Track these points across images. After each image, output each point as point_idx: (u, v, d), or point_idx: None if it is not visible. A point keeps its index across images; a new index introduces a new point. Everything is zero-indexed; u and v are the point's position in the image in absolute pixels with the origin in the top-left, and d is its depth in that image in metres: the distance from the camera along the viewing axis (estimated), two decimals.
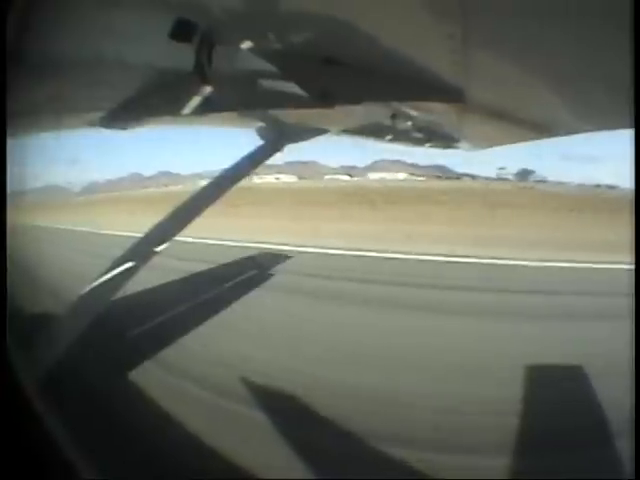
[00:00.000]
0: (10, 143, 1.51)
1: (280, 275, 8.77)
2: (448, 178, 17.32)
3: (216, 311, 6.76)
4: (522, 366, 4.78)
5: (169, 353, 5.40)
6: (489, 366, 4.97)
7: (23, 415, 1.46)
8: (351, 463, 3.56)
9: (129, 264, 3.75)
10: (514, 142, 3.83)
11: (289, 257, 9.71)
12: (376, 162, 18.54)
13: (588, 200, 12.87)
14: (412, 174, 17.92)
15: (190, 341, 5.76)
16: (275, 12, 2.18)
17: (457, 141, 4.46)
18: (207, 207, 4.18)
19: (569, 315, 6.48)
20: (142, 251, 3.93)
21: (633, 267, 1.60)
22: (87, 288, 3.63)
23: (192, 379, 4.89)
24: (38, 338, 3.24)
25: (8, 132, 1.45)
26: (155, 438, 3.58)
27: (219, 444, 3.48)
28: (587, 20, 1.57)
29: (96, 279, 3.65)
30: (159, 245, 4.03)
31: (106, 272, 3.69)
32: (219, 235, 10.78)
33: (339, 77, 2.63)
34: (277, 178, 18.08)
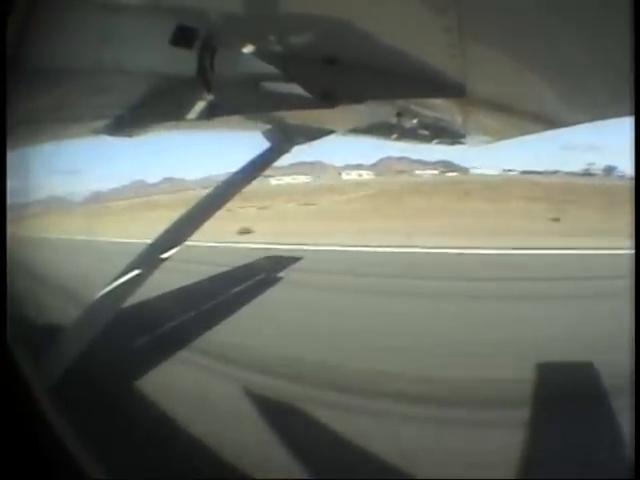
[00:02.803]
0: (12, 153, 1.54)
1: (294, 273, 8.83)
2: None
3: (233, 310, 6.84)
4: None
5: (187, 354, 5.47)
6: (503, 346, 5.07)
7: (33, 419, 1.49)
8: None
9: (139, 270, 3.78)
10: (518, 135, 3.80)
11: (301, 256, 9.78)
12: (382, 160, 18.50)
13: None
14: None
15: (208, 341, 5.82)
16: (274, 14, 2.19)
17: (463, 136, 4.44)
18: (215, 211, 4.21)
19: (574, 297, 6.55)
20: (152, 257, 3.97)
21: (633, 252, 1.58)
22: (97, 295, 3.67)
23: (210, 378, 4.96)
24: (48, 345, 3.29)
25: (9, 141, 1.48)
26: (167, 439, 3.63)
27: (232, 443, 3.53)
28: (584, 10, 1.57)
29: (105, 286, 3.69)
30: (169, 250, 4.06)
31: (116, 279, 3.72)
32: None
33: (340, 76, 2.64)
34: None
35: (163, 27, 2.15)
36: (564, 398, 3.99)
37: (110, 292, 3.70)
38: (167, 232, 4.10)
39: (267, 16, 2.22)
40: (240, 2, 2.17)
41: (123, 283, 3.76)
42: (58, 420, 1.51)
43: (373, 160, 18.56)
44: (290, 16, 2.18)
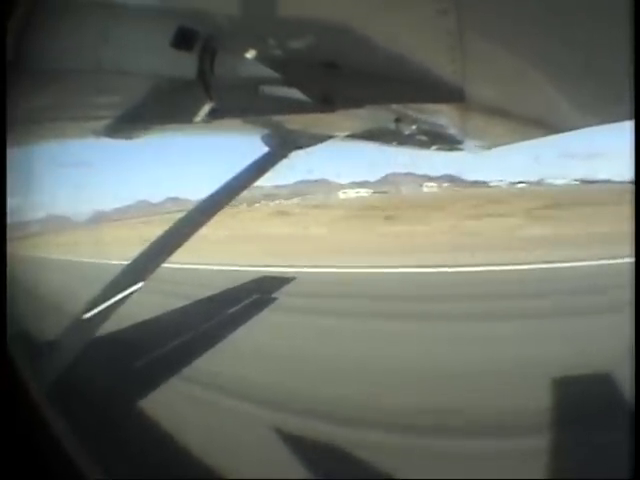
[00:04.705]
0: (10, 151, 1.53)
1: (284, 297, 8.72)
2: None
3: (224, 336, 6.76)
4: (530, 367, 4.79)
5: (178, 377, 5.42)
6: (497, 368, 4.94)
7: (33, 423, 1.49)
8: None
9: (135, 279, 3.78)
10: (518, 140, 3.80)
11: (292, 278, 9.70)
12: (387, 176, 18.56)
13: None
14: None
15: (198, 366, 5.77)
16: (275, 18, 2.20)
17: (461, 142, 4.44)
18: (211, 217, 4.20)
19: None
20: (147, 264, 3.95)
21: (633, 260, 1.56)
22: (83, 312, 3.66)
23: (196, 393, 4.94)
24: (43, 358, 3.29)
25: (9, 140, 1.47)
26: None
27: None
28: (584, 14, 1.57)
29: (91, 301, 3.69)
30: (165, 258, 4.04)
31: (102, 293, 3.71)
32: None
33: (340, 81, 2.65)
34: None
35: (164, 29, 2.15)
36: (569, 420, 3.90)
37: (97, 306, 3.68)
38: (163, 238, 4.08)
39: (267, 20, 2.22)
40: (241, 5, 2.18)
41: (118, 292, 3.75)
42: (57, 423, 1.51)
43: (378, 176, 18.63)
44: (290, 20, 2.19)
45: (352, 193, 18.58)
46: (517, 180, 17.10)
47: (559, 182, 16.94)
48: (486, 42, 1.90)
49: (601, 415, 3.84)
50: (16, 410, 1.47)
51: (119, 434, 3.85)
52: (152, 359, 6.00)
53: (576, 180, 16.75)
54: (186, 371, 5.56)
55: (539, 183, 16.86)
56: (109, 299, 3.71)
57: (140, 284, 3.88)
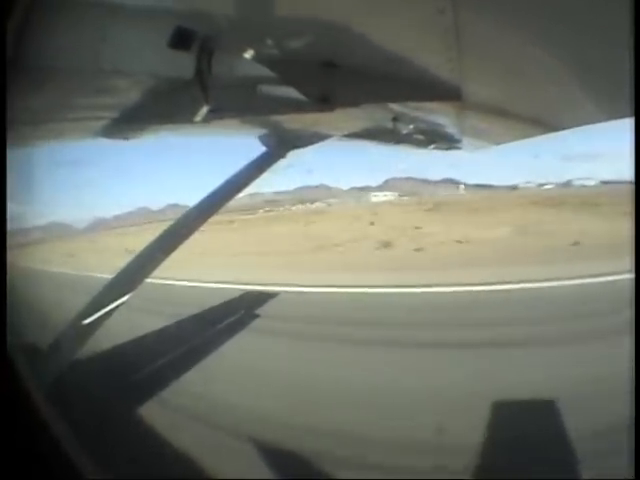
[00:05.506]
0: (10, 153, 1.54)
1: (268, 315, 8.60)
2: None
3: (206, 355, 6.72)
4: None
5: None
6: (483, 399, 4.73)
7: (32, 422, 1.50)
8: None
9: (126, 284, 3.77)
10: (515, 139, 3.80)
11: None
12: (387, 181, 18.65)
13: None
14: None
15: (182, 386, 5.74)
16: (273, 18, 2.20)
17: (459, 141, 4.44)
18: (207, 218, 4.19)
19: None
20: (140, 267, 3.94)
21: (633, 267, 1.53)
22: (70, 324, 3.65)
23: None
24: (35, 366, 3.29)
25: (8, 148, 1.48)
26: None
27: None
28: (583, 11, 1.57)
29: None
30: (159, 261, 4.02)
31: (95, 300, 3.70)
32: None
33: (338, 80, 2.65)
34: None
35: (161, 29, 2.15)
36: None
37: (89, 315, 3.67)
38: (157, 241, 4.06)
39: (265, 19, 2.23)
40: (238, 5, 2.18)
41: (107, 298, 3.74)
42: (56, 424, 1.52)
43: (379, 181, 18.77)
44: (288, 20, 2.19)
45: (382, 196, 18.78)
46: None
47: (589, 183, 16.66)
48: (483, 41, 1.91)
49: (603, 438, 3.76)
50: (16, 412, 1.47)
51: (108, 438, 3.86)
52: (139, 376, 6.00)
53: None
54: (172, 387, 5.57)
55: (567, 184, 16.70)
56: (104, 305, 3.70)
57: (136, 289, 3.87)
